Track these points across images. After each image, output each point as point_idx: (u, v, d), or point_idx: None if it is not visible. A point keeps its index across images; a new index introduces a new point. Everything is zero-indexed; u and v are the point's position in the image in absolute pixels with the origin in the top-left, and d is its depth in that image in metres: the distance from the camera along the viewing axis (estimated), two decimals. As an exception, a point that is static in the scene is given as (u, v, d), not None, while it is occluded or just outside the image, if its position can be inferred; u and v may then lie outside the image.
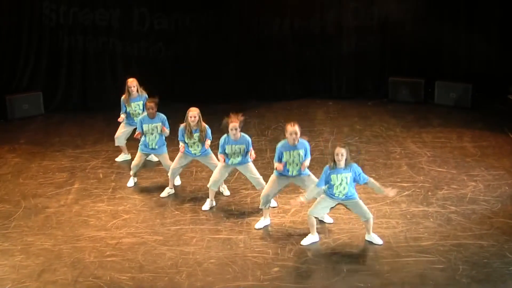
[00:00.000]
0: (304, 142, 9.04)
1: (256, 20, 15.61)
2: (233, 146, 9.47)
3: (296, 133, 8.88)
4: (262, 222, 9.26)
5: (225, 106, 14.11)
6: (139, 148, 10.68)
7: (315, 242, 8.77)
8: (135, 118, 11.22)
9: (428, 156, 11.61)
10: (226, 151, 9.52)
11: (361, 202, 8.68)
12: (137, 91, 11.31)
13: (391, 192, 8.73)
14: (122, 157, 11.79)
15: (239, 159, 9.56)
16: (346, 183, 8.50)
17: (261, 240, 8.90)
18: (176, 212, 9.78)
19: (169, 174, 10.37)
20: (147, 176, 11.11)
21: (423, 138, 12.54)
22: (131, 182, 10.82)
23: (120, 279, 8.05)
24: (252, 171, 9.71)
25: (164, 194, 10.35)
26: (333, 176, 8.50)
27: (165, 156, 10.70)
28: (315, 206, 8.68)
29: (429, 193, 10.13)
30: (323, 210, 8.77)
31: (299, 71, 15.79)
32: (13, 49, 14.88)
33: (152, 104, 10.45)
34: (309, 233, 8.82)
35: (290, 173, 9.03)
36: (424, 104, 14.78)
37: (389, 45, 15.48)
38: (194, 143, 10.02)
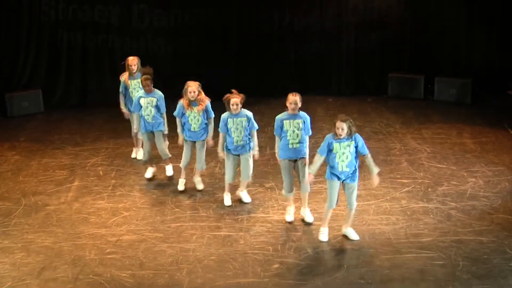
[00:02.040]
0: (305, 114, 9.00)
1: (255, 17, 15.60)
2: (235, 119, 9.52)
3: (296, 103, 8.85)
4: (290, 213, 9.26)
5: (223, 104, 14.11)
6: (141, 130, 10.66)
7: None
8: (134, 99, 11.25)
9: (428, 152, 11.61)
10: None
11: (356, 189, 8.67)
12: (138, 69, 11.29)
13: (375, 181, 8.59)
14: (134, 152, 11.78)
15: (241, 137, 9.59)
16: (349, 151, 8.45)
17: (261, 236, 8.90)
18: (176, 209, 9.78)
19: (181, 165, 10.34)
20: (147, 173, 11.11)
21: (423, 134, 12.54)
22: (149, 173, 10.81)
23: (120, 276, 8.05)
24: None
25: (181, 187, 10.34)
26: (335, 145, 8.47)
27: (160, 135, 10.60)
28: (330, 197, 8.63)
29: (429, 189, 10.13)
30: (335, 195, 8.66)
31: (298, 68, 15.79)
32: (12, 46, 14.88)
33: (148, 82, 10.43)
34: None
35: (290, 146, 8.96)
36: (424, 100, 14.79)
37: (389, 41, 15.46)
38: (194, 117, 9.95)
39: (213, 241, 8.81)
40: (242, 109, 9.56)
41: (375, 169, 8.54)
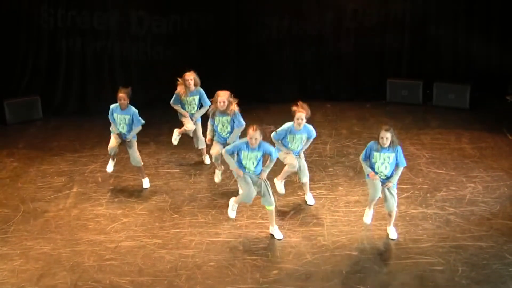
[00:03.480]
0: (265, 146, 8.84)
1: (254, 22, 15.61)
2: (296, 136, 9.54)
3: (256, 139, 8.69)
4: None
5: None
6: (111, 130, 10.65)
7: (373, 214, 8.96)
8: (192, 113, 11.23)
9: (426, 157, 11.61)
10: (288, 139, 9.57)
11: (396, 191, 8.77)
12: (194, 84, 11.24)
13: (389, 184, 8.69)
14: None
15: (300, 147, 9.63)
16: (388, 162, 8.54)
17: (260, 242, 8.90)
18: (175, 215, 9.78)
19: (213, 160, 10.41)
20: (146, 180, 11.11)
21: (422, 139, 12.54)
22: (110, 167, 10.82)
23: (119, 282, 8.04)
24: None
25: (217, 179, 10.48)
26: (375, 154, 8.54)
27: (132, 143, 10.60)
28: (373, 190, 8.70)
29: (428, 195, 10.13)
30: (377, 190, 8.69)
31: (297, 73, 15.80)
32: (11, 53, 14.88)
33: (124, 95, 10.38)
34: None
35: (247, 170, 8.89)
36: (422, 106, 14.79)
37: (388, 47, 15.47)
38: (223, 125, 10.02)
39: (212, 247, 8.80)
40: (305, 124, 9.52)
41: (394, 181, 8.65)
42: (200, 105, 11.35)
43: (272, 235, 9.00)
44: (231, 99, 10.00)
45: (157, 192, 10.61)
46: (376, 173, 8.61)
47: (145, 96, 15.05)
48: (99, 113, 14.46)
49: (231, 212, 9.11)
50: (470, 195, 10.08)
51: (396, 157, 8.59)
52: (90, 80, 15.38)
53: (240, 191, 9.35)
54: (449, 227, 9.10)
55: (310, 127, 9.63)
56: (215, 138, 10.32)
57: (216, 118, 10.16)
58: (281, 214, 9.69)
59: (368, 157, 8.68)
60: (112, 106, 10.59)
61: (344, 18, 15.42)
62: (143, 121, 10.60)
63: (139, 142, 11.90)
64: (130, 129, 10.51)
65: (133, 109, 10.52)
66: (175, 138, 11.38)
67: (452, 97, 14.57)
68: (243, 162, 8.83)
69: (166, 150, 12.30)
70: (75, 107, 15.24)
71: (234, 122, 10.13)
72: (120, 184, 10.94)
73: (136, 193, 10.63)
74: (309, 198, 9.97)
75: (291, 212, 9.72)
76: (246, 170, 8.87)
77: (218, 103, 9.90)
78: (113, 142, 10.64)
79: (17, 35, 14.84)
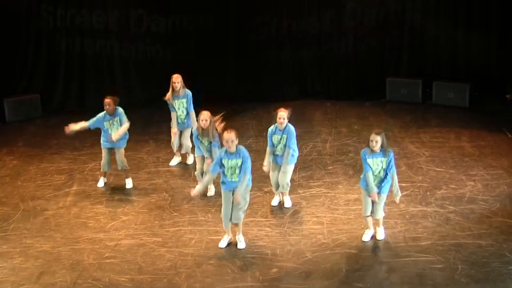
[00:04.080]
0: (243, 151, 8.59)
1: (253, 22, 15.62)
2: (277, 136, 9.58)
3: (232, 141, 8.49)
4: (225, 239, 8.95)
5: (223, 108, 14.11)
6: (101, 144, 10.63)
7: (372, 234, 8.82)
8: (179, 119, 11.18)
9: (426, 156, 11.62)
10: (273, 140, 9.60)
11: (384, 200, 8.72)
12: (182, 87, 11.14)
13: (397, 199, 8.76)
14: (176, 160, 11.72)
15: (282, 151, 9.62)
16: (382, 167, 8.51)
17: (260, 241, 8.89)
18: (175, 214, 9.78)
19: (196, 174, 10.38)
20: (146, 178, 11.11)
21: (421, 138, 12.55)
22: (101, 183, 10.82)
23: (119, 280, 8.04)
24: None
25: (210, 193, 10.39)
26: (369, 161, 8.51)
27: (122, 151, 10.62)
28: (364, 205, 8.69)
29: (428, 193, 10.13)
30: (368, 203, 8.67)
31: (296, 72, 15.81)
32: (11, 52, 14.88)
33: (110, 101, 10.37)
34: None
35: (229, 179, 8.63)
36: (422, 104, 14.80)
37: (387, 46, 15.49)
38: (206, 143, 9.96)
39: (211, 246, 8.80)
40: (288, 124, 9.56)
41: (396, 192, 8.60)
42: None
43: (236, 244, 8.81)
44: (212, 119, 9.77)
45: (157, 190, 10.61)
46: (375, 176, 8.59)
47: (144, 95, 15.09)
48: (99, 111, 14.46)
49: (223, 242, 8.81)
50: (470, 193, 10.08)
51: (388, 162, 8.50)
52: (89, 78, 15.42)
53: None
54: (449, 225, 9.10)
55: (291, 127, 9.58)
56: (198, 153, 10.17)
57: (204, 139, 9.95)
58: (281, 212, 9.69)
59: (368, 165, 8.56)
60: (99, 115, 10.49)
61: (344, 17, 15.43)
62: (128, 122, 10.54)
63: (138, 141, 11.97)
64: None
65: (119, 109, 10.48)
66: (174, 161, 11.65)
67: (451, 95, 14.58)
68: (226, 173, 8.58)
69: (165, 149, 12.31)
70: (74, 105, 15.27)
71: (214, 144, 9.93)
72: (119, 182, 10.93)
73: (136, 191, 10.63)
74: (286, 201, 9.90)
75: (291, 210, 9.72)
76: (228, 181, 8.62)
77: (200, 121, 9.73)
78: (106, 158, 10.62)
79: (17, 33, 14.86)
